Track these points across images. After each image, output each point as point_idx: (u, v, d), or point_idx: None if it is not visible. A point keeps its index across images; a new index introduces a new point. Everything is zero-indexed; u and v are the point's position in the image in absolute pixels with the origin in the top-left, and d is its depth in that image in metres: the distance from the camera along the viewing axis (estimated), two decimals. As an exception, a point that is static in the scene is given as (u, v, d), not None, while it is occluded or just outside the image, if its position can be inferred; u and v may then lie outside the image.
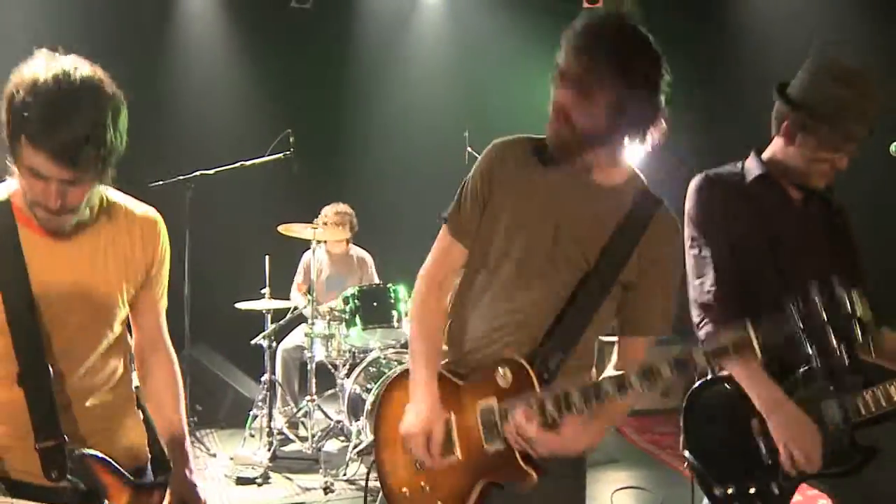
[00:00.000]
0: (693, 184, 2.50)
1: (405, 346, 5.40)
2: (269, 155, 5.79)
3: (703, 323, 2.37)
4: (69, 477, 1.86)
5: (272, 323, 5.59)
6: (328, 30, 7.31)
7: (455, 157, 6.22)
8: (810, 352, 1.94)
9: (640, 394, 1.81)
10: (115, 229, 2.02)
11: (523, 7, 7.69)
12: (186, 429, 2.16)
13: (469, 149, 6.14)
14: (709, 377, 2.45)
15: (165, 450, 2.12)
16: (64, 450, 1.86)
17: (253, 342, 5.48)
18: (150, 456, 2.14)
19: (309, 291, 5.65)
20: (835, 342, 1.95)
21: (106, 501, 1.91)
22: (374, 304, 5.30)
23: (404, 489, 2.11)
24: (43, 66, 1.74)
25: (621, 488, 4.78)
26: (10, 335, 1.83)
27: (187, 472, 2.06)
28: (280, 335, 5.81)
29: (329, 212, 6.21)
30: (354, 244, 6.45)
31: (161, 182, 5.68)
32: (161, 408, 2.16)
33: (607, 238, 1.96)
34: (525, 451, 1.88)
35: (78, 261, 1.94)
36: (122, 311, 2.04)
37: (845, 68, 2.31)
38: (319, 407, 5.46)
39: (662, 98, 1.87)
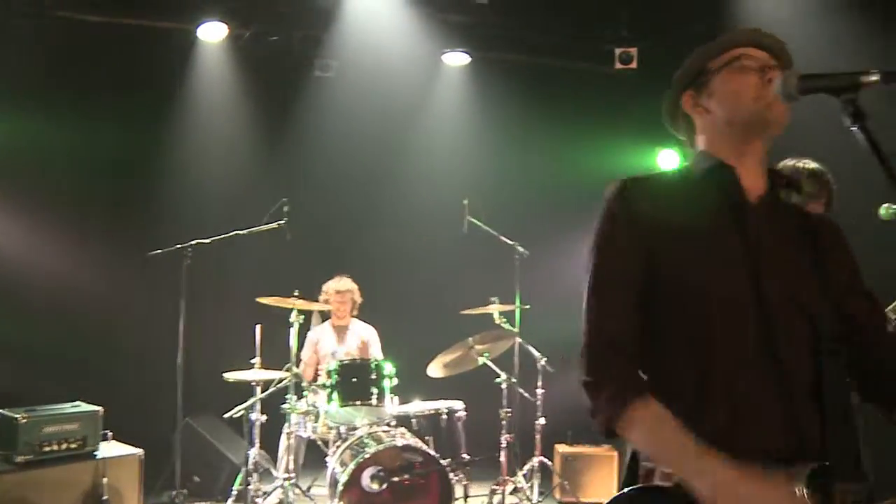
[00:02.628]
0: None
1: (390, 424, 5.21)
2: (264, 224, 5.78)
3: None
4: None
5: (262, 394, 5.48)
6: (340, 100, 7.31)
7: (454, 226, 6.07)
8: None
9: None
10: None
11: (527, 74, 7.64)
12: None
13: (469, 217, 5.97)
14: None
15: None
16: None
17: (227, 415, 5.34)
18: None
19: (298, 364, 5.53)
20: None
21: None
22: (354, 379, 5.13)
23: None
24: None
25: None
26: None
27: None
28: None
29: (331, 289, 6.12)
30: (358, 318, 6.32)
31: (160, 251, 5.72)
32: None
33: None
34: None
35: None
36: None
37: None
38: (297, 485, 5.27)
39: None
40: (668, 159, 7.71)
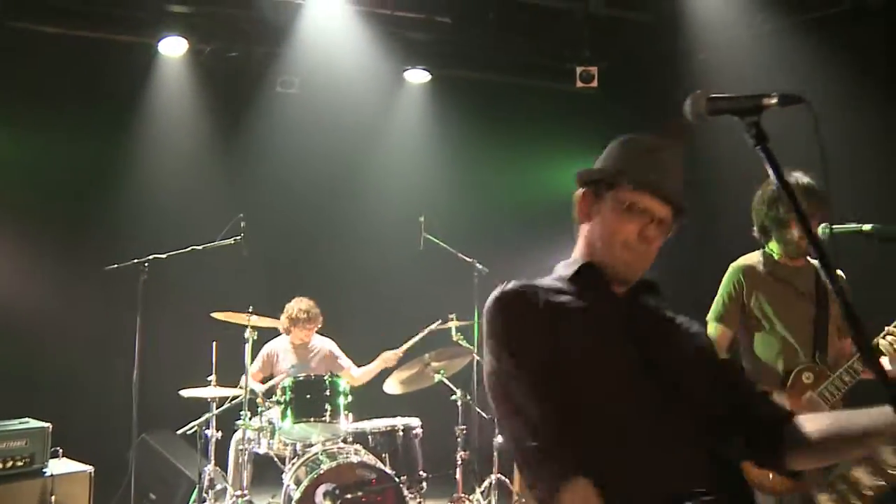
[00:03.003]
0: None
1: (346, 441, 5.19)
2: (221, 239, 5.76)
3: None
4: None
5: (217, 410, 5.45)
6: (300, 116, 7.29)
7: (412, 243, 6.08)
8: None
9: None
10: None
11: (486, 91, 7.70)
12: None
13: (425, 234, 5.99)
14: None
15: None
16: None
17: (180, 432, 5.31)
18: None
19: (264, 381, 5.53)
20: None
21: None
22: (308, 396, 5.10)
23: None
24: None
25: None
26: None
27: None
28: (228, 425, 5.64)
29: (294, 309, 6.05)
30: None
31: (116, 265, 5.69)
32: None
33: None
34: None
35: None
36: None
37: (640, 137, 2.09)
38: (250, 501, 5.24)
39: None
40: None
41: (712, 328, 3.72)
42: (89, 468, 5.01)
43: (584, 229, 2.06)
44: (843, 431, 1.68)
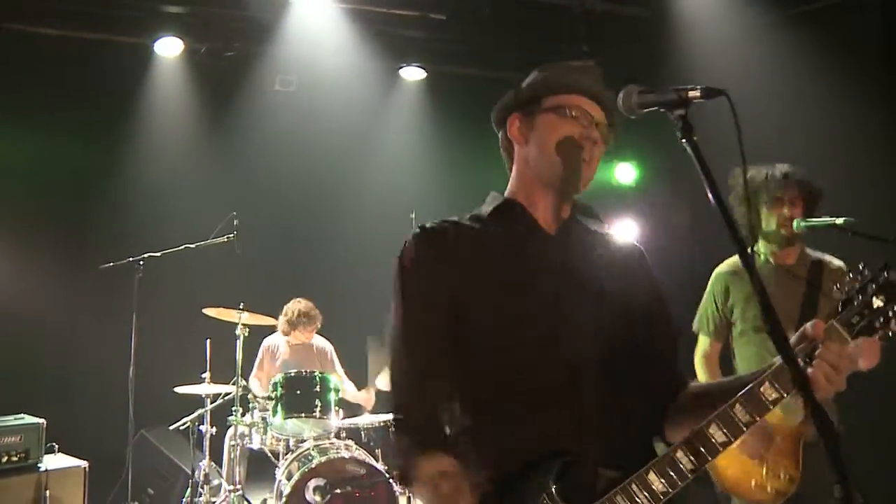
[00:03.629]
0: None
1: (338, 436, 5.24)
2: (214, 237, 5.81)
3: None
4: None
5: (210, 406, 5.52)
6: (296, 114, 7.31)
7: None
8: None
9: None
10: None
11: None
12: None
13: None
14: None
15: None
16: None
17: (172, 427, 5.37)
18: None
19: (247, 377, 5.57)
20: None
21: None
22: (298, 392, 5.15)
23: None
24: None
25: None
26: None
27: None
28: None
29: (293, 311, 6.05)
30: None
31: (112, 264, 5.76)
32: None
33: None
34: None
35: None
36: None
37: None
38: (244, 496, 5.30)
39: None
40: (625, 173, 7.79)
41: (700, 341, 3.67)
42: (83, 463, 5.07)
43: (518, 157, 1.97)
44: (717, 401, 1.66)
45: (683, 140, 1.59)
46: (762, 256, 3.57)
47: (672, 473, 1.63)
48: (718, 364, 3.63)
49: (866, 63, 6.29)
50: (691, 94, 1.60)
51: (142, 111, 7.07)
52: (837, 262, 3.48)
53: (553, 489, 1.63)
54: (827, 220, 3.25)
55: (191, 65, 7.11)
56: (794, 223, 3.36)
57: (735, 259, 3.62)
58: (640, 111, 1.68)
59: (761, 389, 1.65)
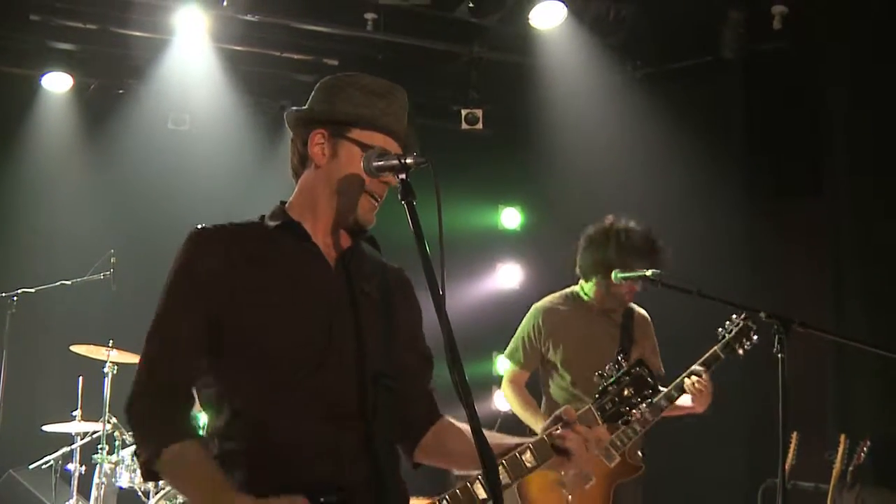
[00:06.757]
0: None
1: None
2: (91, 275, 5.81)
3: None
4: None
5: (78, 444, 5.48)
6: (188, 154, 7.24)
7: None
8: None
9: None
10: None
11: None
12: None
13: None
14: None
15: None
16: None
17: (32, 466, 5.33)
18: None
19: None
20: None
21: None
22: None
23: None
24: None
25: None
26: None
27: None
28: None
29: None
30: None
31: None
32: None
33: None
34: None
35: None
36: None
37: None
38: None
39: None
40: (510, 217, 8.02)
41: (507, 366, 3.87)
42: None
43: (313, 175, 1.99)
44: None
45: (403, 202, 1.78)
46: (585, 297, 3.81)
47: None
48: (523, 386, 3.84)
49: (731, 121, 6.66)
50: (411, 160, 1.80)
51: (25, 144, 6.90)
52: (643, 312, 3.79)
53: None
54: (639, 272, 3.49)
55: (80, 101, 7.03)
56: (613, 275, 3.59)
57: (555, 296, 3.88)
58: (378, 174, 1.89)
59: (524, 457, 1.90)
